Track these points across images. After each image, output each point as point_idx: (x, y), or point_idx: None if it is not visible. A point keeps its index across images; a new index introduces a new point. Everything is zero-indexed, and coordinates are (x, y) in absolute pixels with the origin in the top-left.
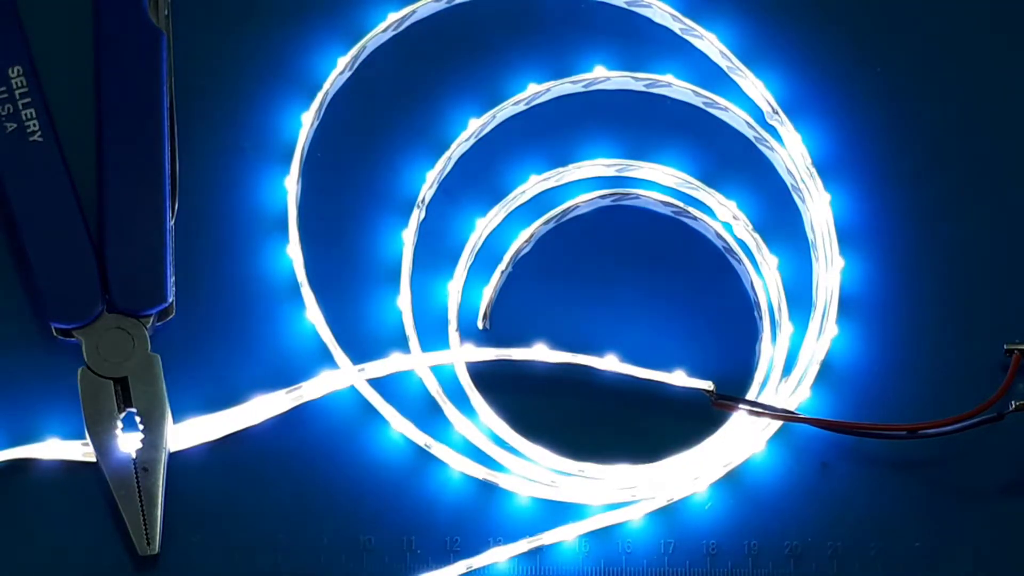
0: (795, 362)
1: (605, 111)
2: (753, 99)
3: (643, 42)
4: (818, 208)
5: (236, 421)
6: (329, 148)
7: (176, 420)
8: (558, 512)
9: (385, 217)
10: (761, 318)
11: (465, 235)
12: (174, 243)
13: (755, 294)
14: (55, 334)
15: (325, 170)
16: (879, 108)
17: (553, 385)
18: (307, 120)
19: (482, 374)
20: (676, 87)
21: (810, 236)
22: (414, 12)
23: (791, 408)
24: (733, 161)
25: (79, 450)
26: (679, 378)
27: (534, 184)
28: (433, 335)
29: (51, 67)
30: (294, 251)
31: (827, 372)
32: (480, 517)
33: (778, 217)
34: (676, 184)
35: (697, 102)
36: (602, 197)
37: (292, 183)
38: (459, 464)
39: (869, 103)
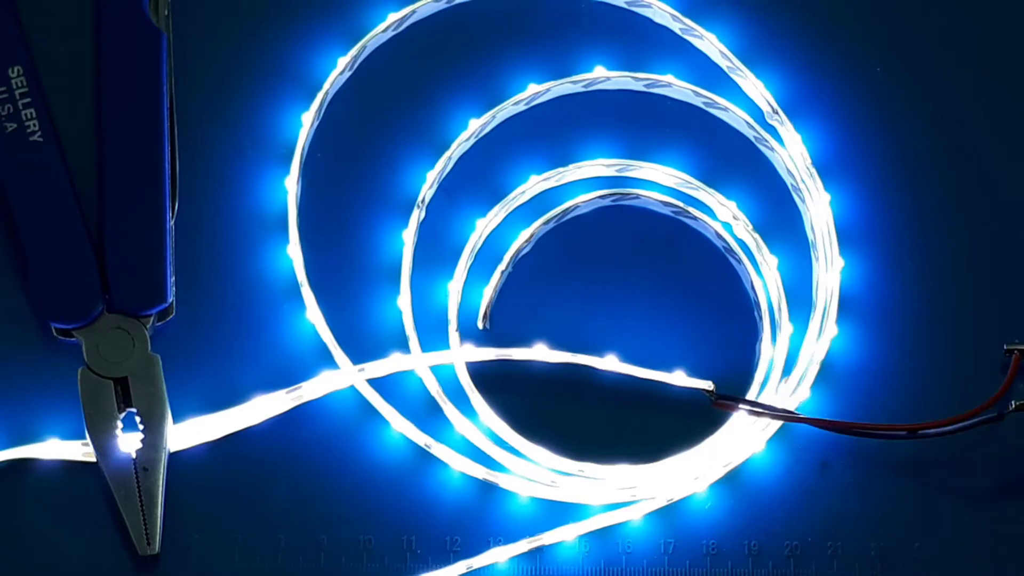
0: (795, 362)
1: (605, 111)
2: (753, 99)
3: (643, 42)
4: (818, 208)
5: (236, 421)
6: (329, 148)
7: (176, 420)
8: (558, 512)
9: (385, 217)
10: (761, 318)
11: (465, 235)
12: (174, 243)
13: (755, 294)
14: (55, 334)
15: (325, 170)
16: (879, 108)
17: (553, 385)
18: (307, 120)
19: (482, 374)
20: (676, 87)
21: (810, 236)
22: (414, 12)
23: (791, 408)
24: (733, 161)
25: (79, 450)
26: (679, 378)
27: (534, 184)
28: (433, 335)
29: (51, 67)
30: (294, 251)
31: (827, 372)
32: (480, 517)
33: (778, 217)
34: (676, 184)
35: (697, 102)
36: (602, 197)
37: (292, 183)
38: (459, 464)
39: (869, 103)
